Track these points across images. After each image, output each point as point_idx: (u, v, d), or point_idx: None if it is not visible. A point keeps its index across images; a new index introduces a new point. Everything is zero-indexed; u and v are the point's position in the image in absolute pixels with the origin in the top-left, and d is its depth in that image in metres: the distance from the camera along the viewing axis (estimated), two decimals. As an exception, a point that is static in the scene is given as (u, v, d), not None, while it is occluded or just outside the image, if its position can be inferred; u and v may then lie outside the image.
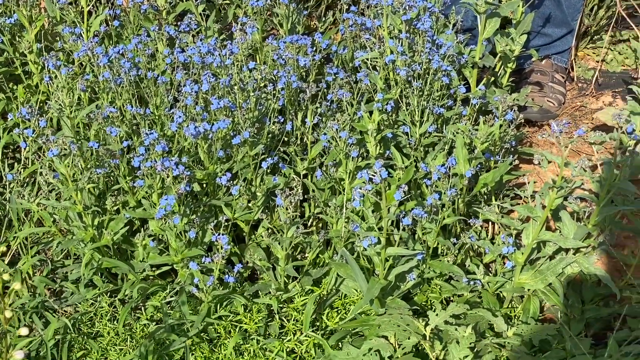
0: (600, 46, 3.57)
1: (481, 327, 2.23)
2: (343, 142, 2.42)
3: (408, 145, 2.62)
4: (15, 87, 3.05)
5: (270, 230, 2.46)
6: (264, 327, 2.37)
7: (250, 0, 2.81)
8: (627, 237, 2.72)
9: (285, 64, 2.68)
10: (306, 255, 2.53)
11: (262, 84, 2.51)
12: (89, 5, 2.95)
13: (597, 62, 3.53)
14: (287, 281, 2.45)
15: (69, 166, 2.32)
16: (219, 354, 2.31)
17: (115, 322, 2.42)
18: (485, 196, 2.65)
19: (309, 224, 2.66)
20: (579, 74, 3.50)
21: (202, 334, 2.36)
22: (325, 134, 2.52)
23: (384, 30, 2.74)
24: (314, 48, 2.77)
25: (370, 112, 2.51)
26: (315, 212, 2.61)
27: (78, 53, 2.68)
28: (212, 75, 2.52)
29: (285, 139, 2.66)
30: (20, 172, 2.73)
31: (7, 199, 2.67)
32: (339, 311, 2.41)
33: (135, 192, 2.51)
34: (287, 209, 2.28)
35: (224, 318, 2.38)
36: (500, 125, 2.57)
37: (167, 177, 2.29)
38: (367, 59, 2.72)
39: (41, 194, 2.57)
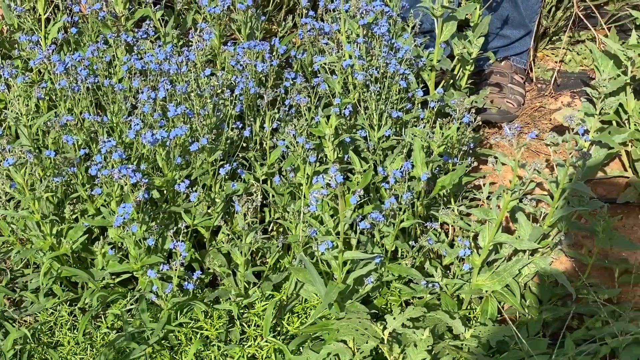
0: (559, 47, 3.60)
1: (439, 329, 2.25)
2: (301, 148, 2.43)
3: (366, 149, 2.63)
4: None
5: (230, 236, 2.46)
6: (225, 333, 2.38)
7: (208, 7, 2.81)
8: (584, 237, 2.75)
9: (243, 69, 2.68)
10: (267, 260, 2.54)
11: (219, 90, 2.51)
12: (46, 12, 2.94)
13: (556, 62, 3.56)
14: (247, 286, 2.45)
15: (26, 175, 2.31)
16: (180, 361, 2.32)
17: (75, 331, 2.41)
18: (444, 198, 2.67)
19: (269, 229, 2.67)
20: (538, 75, 3.53)
21: (162, 342, 2.35)
22: (283, 139, 2.52)
23: (342, 35, 2.75)
24: (273, 53, 2.78)
25: (328, 117, 2.52)
26: (275, 217, 2.61)
27: (34, 61, 2.67)
28: (170, 82, 2.52)
29: (245, 144, 2.66)
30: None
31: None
32: (300, 316, 2.42)
33: (94, 201, 2.50)
34: (245, 215, 2.28)
35: (184, 325, 2.38)
36: (458, 128, 2.59)
37: (125, 184, 2.29)
38: (326, 64, 2.73)
39: (-1, 203, 2.56)
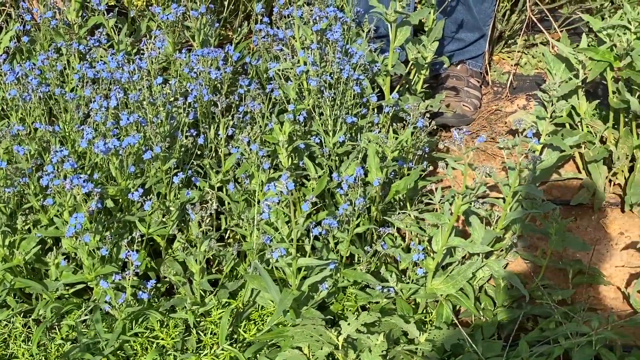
0: (514, 50, 3.63)
1: (395, 334, 2.26)
2: (254, 155, 2.42)
3: (321, 155, 2.64)
4: None
5: (185, 244, 2.45)
6: (181, 342, 2.36)
7: (162, 14, 2.80)
8: (539, 239, 2.77)
9: (197, 77, 2.68)
10: (223, 268, 2.53)
11: (172, 98, 2.51)
12: (-2, 21, 2.92)
13: (512, 66, 3.59)
14: (203, 295, 2.45)
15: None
16: (135, 371, 2.31)
17: (29, 342, 2.39)
18: (400, 203, 2.68)
19: (225, 236, 2.66)
20: (495, 78, 3.55)
21: (118, 352, 2.34)
22: (237, 147, 2.52)
23: (296, 41, 2.76)
24: (227, 60, 2.77)
25: (282, 123, 2.52)
26: (231, 224, 2.61)
27: (-17, 71, 2.65)
28: (123, 91, 2.51)
29: (199, 152, 2.66)
30: None
31: None
32: (257, 323, 2.41)
33: (46, 211, 2.48)
34: (200, 223, 2.28)
35: (140, 335, 2.37)
36: (413, 133, 2.60)
37: (77, 194, 2.28)
38: (280, 70, 2.73)
39: (-49, 215, 2.53)
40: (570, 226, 2.83)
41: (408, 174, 2.60)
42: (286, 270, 2.24)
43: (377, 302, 2.43)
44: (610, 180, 2.92)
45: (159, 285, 2.50)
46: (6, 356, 2.38)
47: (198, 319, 2.41)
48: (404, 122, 2.61)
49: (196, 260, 2.35)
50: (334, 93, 2.63)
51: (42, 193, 2.47)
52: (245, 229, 2.48)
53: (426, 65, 3.03)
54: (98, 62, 2.72)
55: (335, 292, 2.43)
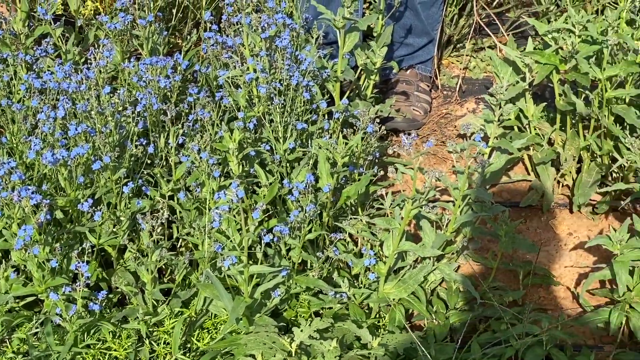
0: (463, 54, 3.67)
1: (348, 339, 2.27)
2: (205, 163, 2.42)
3: (272, 162, 2.64)
4: None
5: (137, 254, 2.44)
6: (134, 353, 2.35)
7: (108, 23, 2.79)
8: (490, 241, 2.80)
9: (147, 85, 2.66)
10: (175, 277, 2.52)
11: (120, 108, 2.49)
12: (-58, 32, 2.87)
13: (461, 69, 3.62)
14: (156, 304, 2.43)
15: None
16: (88, 383, 2.29)
17: (-21, 357, 2.37)
18: (352, 208, 2.69)
19: (177, 245, 2.65)
20: (444, 82, 3.58)
21: (70, 364, 2.32)
22: (187, 155, 2.52)
23: (245, 49, 2.76)
24: (176, 68, 2.76)
25: (232, 131, 2.52)
26: (183, 233, 2.60)
27: None
28: (71, 101, 2.49)
29: (150, 161, 2.64)
30: None
31: None
32: (210, 331, 2.40)
33: (-5, 223, 2.46)
34: (151, 232, 2.27)
35: (92, 346, 2.35)
36: (363, 138, 2.62)
37: (26, 206, 2.25)
38: (229, 77, 2.73)
39: None
40: (520, 228, 2.86)
41: (359, 179, 2.61)
42: (238, 278, 2.24)
43: (330, 308, 2.44)
44: (558, 182, 2.96)
45: (110, 296, 2.48)
46: (-44, 372, 2.35)
47: (151, 329, 2.39)
48: (354, 127, 2.62)
49: (148, 270, 2.34)
50: (284, 100, 2.63)
51: (-10, 205, 2.44)
52: (197, 238, 2.47)
53: (375, 71, 3.04)
54: (45, 72, 2.69)
55: (288, 298, 2.44)
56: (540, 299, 2.67)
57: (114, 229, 2.48)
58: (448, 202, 2.45)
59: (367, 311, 2.46)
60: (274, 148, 2.65)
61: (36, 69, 2.75)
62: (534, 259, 2.75)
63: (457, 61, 3.67)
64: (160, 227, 2.27)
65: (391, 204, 2.42)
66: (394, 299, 2.40)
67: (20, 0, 3.04)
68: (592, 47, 2.73)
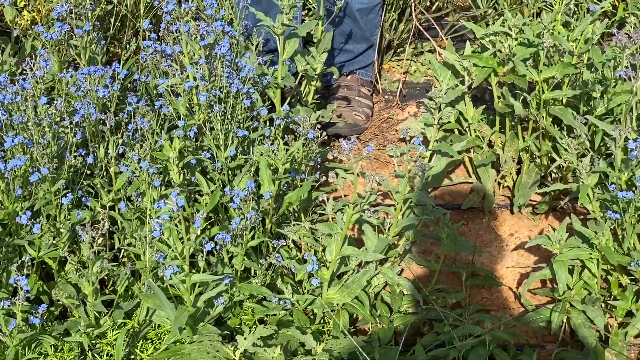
0: (403, 58, 3.69)
1: (292, 345, 2.26)
2: (145, 172, 2.40)
3: (214, 170, 2.63)
4: None
5: (77, 266, 2.41)
6: (77, 366, 2.33)
7: (45, 33, 2.75)
8: (433, 244, 2.82)
9: (85, 95, 2.64)
10: (117, 288, 2.50)
11: (58, 118, 2.46)
12: None
13: (402, 74, 3.65)
14: (98, 316, 2.41)
15: None
16: (29, 398, 2.25)
17: None
18: (295, 214, 2.69)
19: (120, 255, 2.63)
20: (385, 87, 3.60)
21: (11, 380, 2.29)
22: (127, 165, 2.50)
23: (184, 57, 2.74)
24: (115, 78, 2.74)
25: (173, 140, 2.50)
26: (124, 243, 2.57)
27: None
28: (6, 112, 2.45)
29: (90, 171, 2.61)
30: None
31: None
32: (154, 342, 2.38)
33: None
34: (91, 243, 2.24)
35: (33, 361, 2.32)
36: (304, 144, 2.62)
37: (-38, 220, 2.22)
38: (169, 86, 2.72)
39: None
40: (462, 230, 2.89)
41: (301, 186, 2.62)
42: (181, 287, 2.22)
43: (274, 315, 2.44)
44: (499, 183, 2.99)
45: (52, 309, 2.45)
46: None
47: (93, 342, 2.37)
48: (296, 134, 2.63)
49: (89, 282, 2.31)
50: (225, 107, 2.62)
51: None
52: (139, 248, 2.45)
53: (316, 77, 3.05)
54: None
55: (232, 306, 2.43)
56: (483, 300, 2.69)
57: (54, 241, 2.45)
58: (390, 206, 2.46)
59: (311, 317, 2.46)
60: (215, 156, 2.64)
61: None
62: (476, 260, 2.77)
63: (398, 65, 3.70)
64: (101, 238, 2.25)
65: (333, 209, 2.43)
66: (337, 304, 2.40)
67: (-47, 11, 3.00)
68: (528, 49, 2.77)
